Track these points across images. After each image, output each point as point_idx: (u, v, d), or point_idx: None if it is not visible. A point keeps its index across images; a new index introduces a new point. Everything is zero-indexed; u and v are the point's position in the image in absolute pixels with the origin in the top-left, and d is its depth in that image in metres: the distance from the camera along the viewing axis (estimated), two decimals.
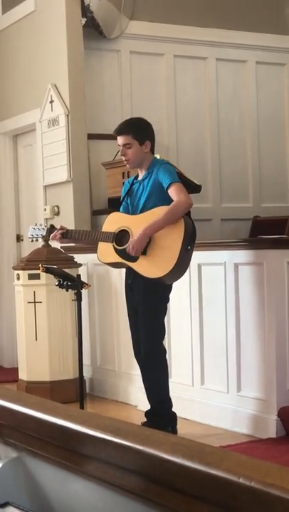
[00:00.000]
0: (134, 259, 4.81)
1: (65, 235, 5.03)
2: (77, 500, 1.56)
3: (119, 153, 5.05)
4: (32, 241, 5.47)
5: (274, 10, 8.23)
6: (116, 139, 5.03)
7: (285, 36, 8.24)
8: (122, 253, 4.86)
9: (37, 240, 5.38)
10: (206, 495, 1.19)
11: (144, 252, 4.77)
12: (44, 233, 5.19)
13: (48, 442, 1.61)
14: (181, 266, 4.76)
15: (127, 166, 5.12)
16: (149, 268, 4.76)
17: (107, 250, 4.93)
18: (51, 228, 5.13)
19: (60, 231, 5.02)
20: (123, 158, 5.03)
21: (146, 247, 4.77)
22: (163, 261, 4.71)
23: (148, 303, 4.88)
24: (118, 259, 4.89)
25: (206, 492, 1.19)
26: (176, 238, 4.70)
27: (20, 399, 1.76)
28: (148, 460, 1.31)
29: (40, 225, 5.33)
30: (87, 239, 5.04)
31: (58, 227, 5.11)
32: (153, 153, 5.02)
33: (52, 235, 5.08)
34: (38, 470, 1.66)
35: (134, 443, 1.35)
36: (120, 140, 4.96)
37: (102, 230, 4.99)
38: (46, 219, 7.40)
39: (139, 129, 4.98)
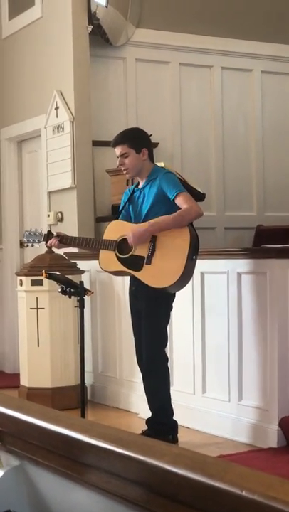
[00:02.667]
0: (138, 268, 4.80)
1: (63, 240, 5.03)
2: (78, 509, 1.56)
3: (117, 163, 5.05)
4: (27, 246, 5.43)
5: (280, 19, 8.24)
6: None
7: None
8: (125, 262, 4.85)
9: (32, 246, 5.33)
10: (209, 507, 1.19)
11: (148, 262, 4.76)
12: (41, 239, 5.16)
13: (50, 451, 1.60)
14: (187, 275, 4.76)
15: (127, 175, 5.12)
16: (154, 278, 4.75)
17: (109, 258, 4.93)
18: (48, 234, 5.12)
19: (57, 238, 5.01)
20: (122, 169, 5.04)
21: (151, 257, 4.76)
22: (168, 271, 4.71)
23: (151, 310, 4.88)
24: (121, 267, 4.88)
25: (209, 504, 1.18)
26: (182, 248, 4.70)
27: (22, 407, 1.76)
28: (150, 471, 1.31)
29: (36, 230, 5.29)
30: (87, 246, 5.03)
31: (54, 233, 5.10)
32: (152, 161, 5.03)
33: (49, 242, 5.07)
34: (40, 478, 1.66)
35: (136, 453, 1.35)
36: (117, 151, 4.98)
37: (104, 237, 4.99)
38: (50, 225, 7.41)
39: (134, 138, 5.00)
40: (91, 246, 5.00)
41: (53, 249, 6.11)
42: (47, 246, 5.44)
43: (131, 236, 4.76)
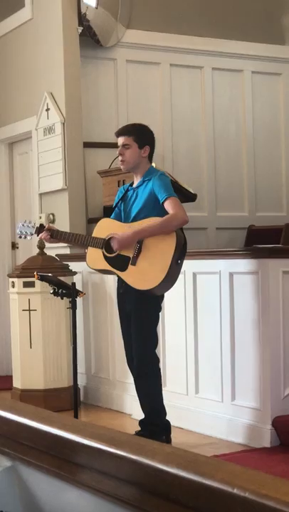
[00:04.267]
0: (123, 268, 4.80)
1: (54, 234, 5.02)
2: (71, 509, 1.56)
3: (117, 152, 5.04)
4: (20, 237, 5.37)
5: (270, 20, 8.26)
6: (112, 147, 5.04)
7: (281, 46, 8.28)
8: (111, 261, 4.85)
9: (25, 237, 5.28)
10: (201, 505, 1.19)
11: (133, 263, 4.77)
12: (33, 231, 5.15)
13: (42, 451, 1.60)
14: (170, 279, 4.75)
15: (122, 167, 5.08)
16: (138, 279, 4.75)
17: (96, 256, 4.92)
18: (40, 227, 5.12)
19: (48, 232, 5.01)
20: (120, 158, 5.02)
21: (136, 258, 4.76)
22: (152, 273, 4.70)
23: (140, 312, 4.87)
24: (107, 266, 4.88)
25: (201, 502, 1.19)
26: (167, 251, 4.69)
27: (14, 408, 1.76)
28: (142, 470, 1.31)
29: (30, 222, 5.28)
30: (76, 242, 5.03)
31: (47, 226, 5.11)
32: (151, 161, 5.03)
33: (40, 235, 5.07)
34: (32, 479, 1.66)
35: (128, 453, 1.35)
36: (121, 140, 4.98)
37: (93, 235, 4.98)
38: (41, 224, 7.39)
39: (141, 133, 5.01)
40: (80, 242, 4.99)
41: (45, 243, 6.10)
42: (39, 238, 5.40)
43: (116, 242, 4.77)
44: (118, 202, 5.06)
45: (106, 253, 4.86)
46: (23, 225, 5.22)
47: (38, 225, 5.18)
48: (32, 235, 5.18)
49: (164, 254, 4.69)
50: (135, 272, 4.76)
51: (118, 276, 4.89)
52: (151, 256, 4.72)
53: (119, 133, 5.03)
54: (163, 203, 4.75)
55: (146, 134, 5.05)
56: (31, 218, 7.73)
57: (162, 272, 4.67)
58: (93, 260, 4.95)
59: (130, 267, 4.77)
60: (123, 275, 4.81)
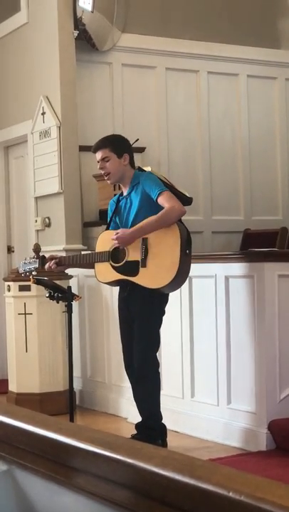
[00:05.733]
0: (134, 273, 4.80)
1: (60, 262, 5.03)
2: None
3: (98, 167, 5.04)
4: (25, 276, 5.26)
5: (266, 24, 8.27)
6: None
7: (276, 50, 8.29)
8: (121, 269, 4.86)
9: (31, 274, 5.13)
10: (197, 509, 1.19)
11: (143, 265, 4.77)
12: (36, 265, 5.09)
13: (38, 455, 1.60)
14: (183, 271, 4.75)
15: (108, 181, 5.09)
16: (152, 279, 4.75)
17: (105, 270, 4.93)
18: (43, 259, 5.10)
19: (53, 260, 5.01)
20: (102, 173, 5.03)
21: (145, 259, 4.76)
22: (164, 269, 4.71)
23: (144, 315, 4.87)
24: (118, 276, 4.88)
25: (197, 506, 1.19)
26: (174, 244, 4.70)
27: (10, 411, 1.75)
28: (138, 474, 1.31)
29: (31, 258, 5.23)
30: (82, 262, 5.03)
31: (48, 256, 5.09)
32: (133, 167, 5.03)
33: (46, 266, 5.03)
34: (28, 483, 1.65)
35: (124, 456, 1.35)
36: (98, 155, 4.98)
37: (96, 250, 4.99)
38: (37, 231, 7.40)
39: (115, 143, 5.01)
40: (86, 260, 5.00)
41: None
42: (45, 270, 5.28)
43: (116, 236, 4.77)
44: (112, 215, 5.05)
45: (114, 263, 4.87)
46: (24, 263, 5.17)
47: (39, 257, 5.12)
48: (36, 268, 5.11)
49: (171, 247, 4.70)
50: (147, 273, 4.76)
51: (127, 281, 4.87)
52: (159, 253, 4.73)
53: (95, 148, 5.02)
54: (156, 199, 4.75)
55: (122, 142, 5.05)
56: (27, 223, 7.74)
57: (174, 265, 4.67)
58: (103, 274, 4.95)
59: (141, 269, 4.77)
60: (136, 279, 4.80)
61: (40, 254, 5.36)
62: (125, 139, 5.08)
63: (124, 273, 4.84)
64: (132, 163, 5.01)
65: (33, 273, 5.15)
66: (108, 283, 5.05)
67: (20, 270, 5.23)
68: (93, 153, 5.07)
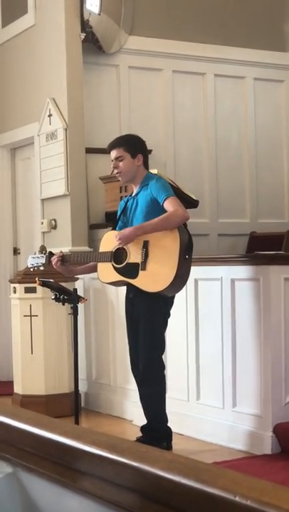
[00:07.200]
0: (134, 275, 4.80)
1: (64, 259, 5.04)
2: None
3: (111, 166, 5.06)
4: (33, 270, 5.38)
5: (272, 27, 8.27)
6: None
7: (283, 53, 8.29)
8: (122, 271, 4.86)
9: (38, 269, 5.27)
10: None
11: (143, 268, 4.77)
12: (44, 261, 5.15)
13: (43, 458, 1.60)
14: (182, 276, 4.75)
15: (120, 179, 5.11)
16: (150, 282, 4.75)
17: (107, 270, 4.93)
18: (50, 255, 5.13)
19: (57, 256, 5.03)
20: (115, 172, 5.04)
21: (144, 262, 4.77)
22: (163, 274, 4.71)
23: (149, 317, 4.87)
24: (119, 277, 4.89)
25: (202, 510, 1.18)
26: (173, 249, 4.70)
27: (15, 414, 1.75)
28: (144, 477, 1.30)
29: (39, 252, 5.29)
30: (85, 260, 5.04)
31: (58, 251, 5.12)
32: (147, 169, 5.04)
33: (51, 259, 5.06)
34: (33, 485, 1.65)
35: (129, 460, 1.35)
36: (113, 154, 4.99)
37: (100, 250, 5.00)
38: (43, 233, 7.40)
39: (131, 142, 5.02)
40: (89, 259, 5.01)
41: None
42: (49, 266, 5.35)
43: (118, 234, 4.77)
44: (120, 215, 5.06)
45: (115, 264, 4.87)
46: (32, 258, 5.23)
47: (47, 253, 5.18)
48: (44, 263, 5.17)
49: (170, 252, 4.70)
50: (146, 277, 4.76)
51: (130, 284, 4.89)
52: (158, 257, 4.73)
53: (111, 147, 5.03)
54: (163, 203, 4.76)
55: (137, 142, 5.06)
56: (33, 225, 7.74)
57: (172, 270, 4.67)
58: (105, 274, 4.96)
59: (141, 272, 4.78)
60: (135, 282, 4.81)
61: (48, 250, 5.38)
62: (141, 140, 5.08)
63: (124, 274, 4.85)
64: (145, 164, 5.02)
65: (41, 268, 5.23)
66: (109, 283, 5.06)
67: (29, 264, 5.28)
68: (108, 152, 5.07)
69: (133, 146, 4.99)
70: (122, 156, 4.95)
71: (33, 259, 5.22)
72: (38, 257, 5.20)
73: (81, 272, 5.37)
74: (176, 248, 4.69)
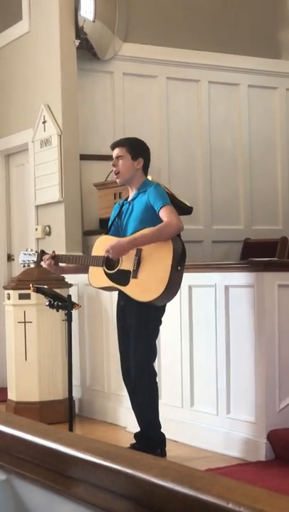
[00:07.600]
0: (125, 282, 4.80)
1: (56, 259, 5.03)
2: None
3: (111, 164, 5.07)
4: (24, 266, 5.47)
5: (266, 34, 8.30)
6: (108, 159, 5.05)
7: (277, 60, 8.31)
8: (113, 277, 4.86)
9: (29, 266, 5.37)
10: None
11: (134, 276, 4.77)
12: (35, 258, 5.17)
13: (37, 465, 1.60)
14: (173, 287, 4.75)
15: (117, 180, 5.11)
16: (141, 291, 4.75)
17: (98, 274, 4.93)
18: (42, 253, 5.13)
19: (51, 255, 5.03)
20: (113, 170, 5.05)
21: (136, 270, 4.76)
22: (153, 283, 4.70)
23: (140, 325, 4.87)
24: (109, 283, 4.88)
25: None
26: (166, 259, 4.70)
27: (9, 421, 1.75)
28: (138, 484, 1.30)
29: (31, 250, 5.32)
30: (77, 263, 5.04)
31: (50, 252, 5.12)
32: (146, 174, 5.04)
33: (44, 257, 5.07)
34: (27, 492, 1.65)
35: (123, 467, 1.35)
36: (115, 152, 5.01)
37: (92, 254, 4.99)
38: (37, 239, 7.40)
39: (134, 144, 5.04)
40: (81, 262, 5.00)
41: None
42: (40, 264, 5.40)
43: (109, 248, 4.76)
44: (114, 219, 5.06)
45: (106, 270, 4.87)
46: (24, 254, 5.25)
47: (39, 251, 5.20)
48: (35, 262, 5.20)
49: (162, 263, 4.69)
50: (137, 285, 4.76)
51: (120, 291, 4.89)
52: (150, 267, 4.73)
53: (114, 145, 5.07)
54: (158, 211, 4.76)
55: (140, 146, 5.07)
56: (27, 231, 7.74)
57: (163, 280, 4.66)
58: (96, 279, 4.96)
59: (132, 280, 4.78)
60: (126, 289, 4.81)
61: (40, 248, 5.40)
62: (145, 146, 5.10)
63: (115, 281, 4.85)
64: (145, 170, 5.02)
65: (31, 265, 5.28)
66: (100, 288, 5.06)
67: (20, 260, 5.29)
68: (111, 149, 5.08)
69: (136, 148, 5.01)
70: (123, 155, 4.97)
71: (24, 256, 5.23)
72: (29, 254, 5.21)
73: (72, 271, 5.34)
74: (168, 259, 4.69)
